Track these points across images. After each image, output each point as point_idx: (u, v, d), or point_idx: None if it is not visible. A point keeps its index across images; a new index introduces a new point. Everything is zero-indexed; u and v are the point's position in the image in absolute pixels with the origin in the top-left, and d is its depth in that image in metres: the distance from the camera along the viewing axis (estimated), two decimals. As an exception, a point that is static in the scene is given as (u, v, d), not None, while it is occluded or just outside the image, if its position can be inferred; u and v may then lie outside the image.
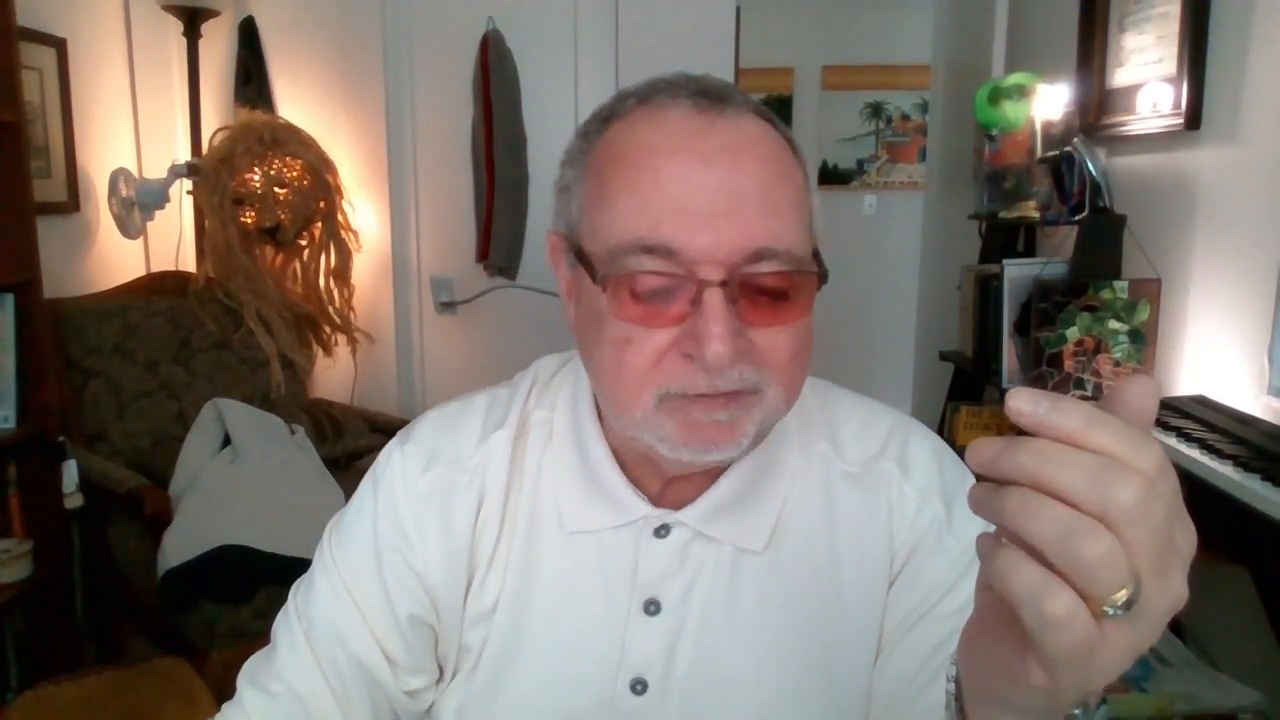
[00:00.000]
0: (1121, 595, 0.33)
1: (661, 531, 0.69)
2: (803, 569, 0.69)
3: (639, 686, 0.68)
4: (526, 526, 0.70)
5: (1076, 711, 0.41)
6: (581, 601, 0.69)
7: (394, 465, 0.71)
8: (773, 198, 0.59)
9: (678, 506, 0.69)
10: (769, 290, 0.59)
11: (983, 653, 0.42)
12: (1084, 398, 1.82)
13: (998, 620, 0.40)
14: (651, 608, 0.68)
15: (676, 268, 0.58)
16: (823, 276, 0.62)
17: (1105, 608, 0.33)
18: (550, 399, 0.74)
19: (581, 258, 0.62)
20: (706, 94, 0.61)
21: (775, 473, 0.70)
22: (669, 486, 0.69)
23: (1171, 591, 0.35)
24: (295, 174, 2.78)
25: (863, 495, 0.70)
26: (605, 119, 0.64)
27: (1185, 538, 0.35)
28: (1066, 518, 0.33)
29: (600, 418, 0.70)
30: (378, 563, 0.69)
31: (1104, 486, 0.33)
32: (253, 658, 0.73)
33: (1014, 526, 0.34)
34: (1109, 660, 0.35)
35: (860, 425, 0.74)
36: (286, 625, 0.71)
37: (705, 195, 0.58)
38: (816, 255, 0.63)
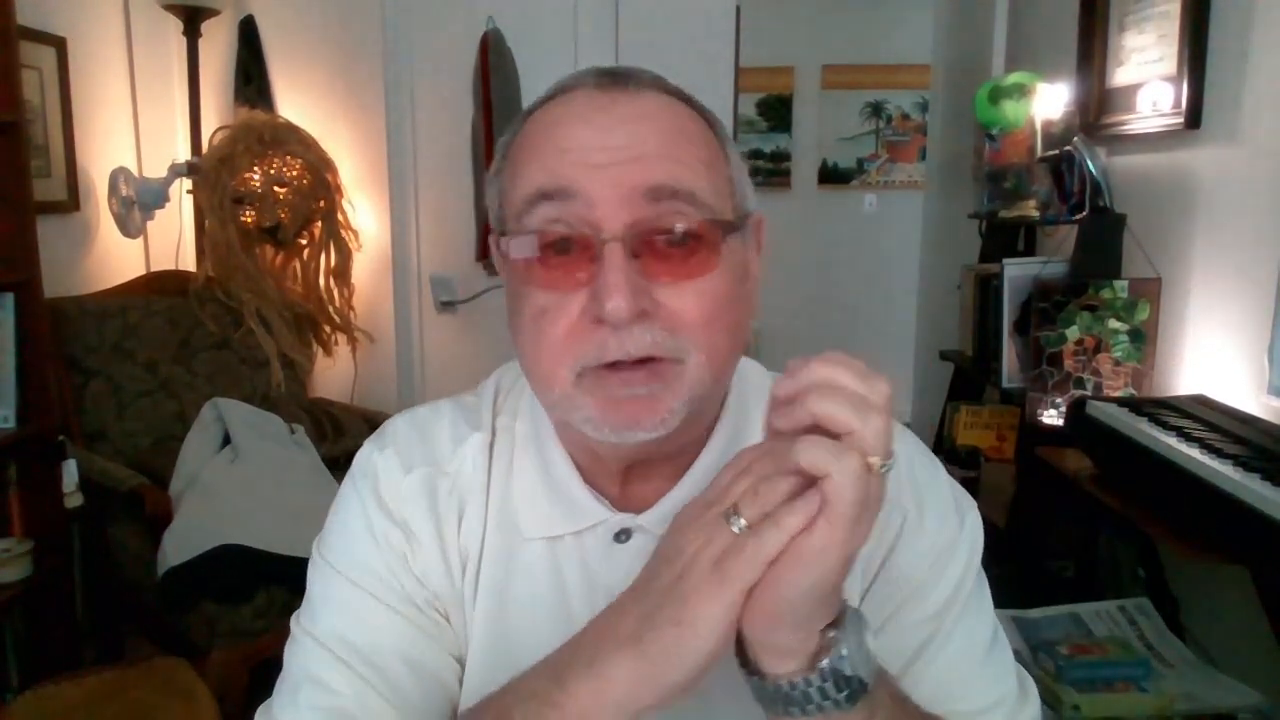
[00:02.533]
0: (887, 462, 0.47)
1: (622, 536, 0.67)
2: None
3: None
4: (500, 535, 0.69)
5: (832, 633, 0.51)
6: (549, 610, 0.68)
7: (375, 466, 0.70)
8: (676, 149, 0.60)
9: (639, 509, 0.68)
10: (673, 240, 0.59)
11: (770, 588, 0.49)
12: (1084, 398, 1.82)
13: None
14: None
15: (577, 219, 0.59)
16: (733, 224, 0.62)
17: (881, 467, 0.47)
18: (512, 406, 0.73)
19: (501, 237, 0.64)
20: (611, 74, 0.64)
21: None
22: (629, 488, 0.68)
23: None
24: (295, 173, 2.78)
25: None
26: (526, 114, 0.66)
27: None
28: (857, 399, 0.47)
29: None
30: (380, 552, 0.67)
31: (871, 382, 0.48)
32: (261, 709, 0.67)
33: (818, 408, 0.47)
34: (876, 508, 0.47)
35: None
36: (300, 653, 0.67)
37: (605, 152, 0.59)
38: (742, 222, 0.64)
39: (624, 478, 0.67)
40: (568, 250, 0.59)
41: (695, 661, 0.49)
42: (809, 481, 0.48)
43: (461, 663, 0.69)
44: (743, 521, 0.49)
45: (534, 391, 0.66)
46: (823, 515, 0.46)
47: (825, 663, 0.51)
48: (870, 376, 0.48)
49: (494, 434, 0.72)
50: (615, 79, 0.63)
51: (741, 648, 0.53)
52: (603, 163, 0.59)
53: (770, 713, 0.53)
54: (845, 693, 0.51)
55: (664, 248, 0.59)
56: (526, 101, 2.89)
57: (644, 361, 0.59)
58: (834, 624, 0.52)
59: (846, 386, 0.48)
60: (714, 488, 0.53)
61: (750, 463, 0.52)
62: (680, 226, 0.59)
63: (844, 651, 0.51)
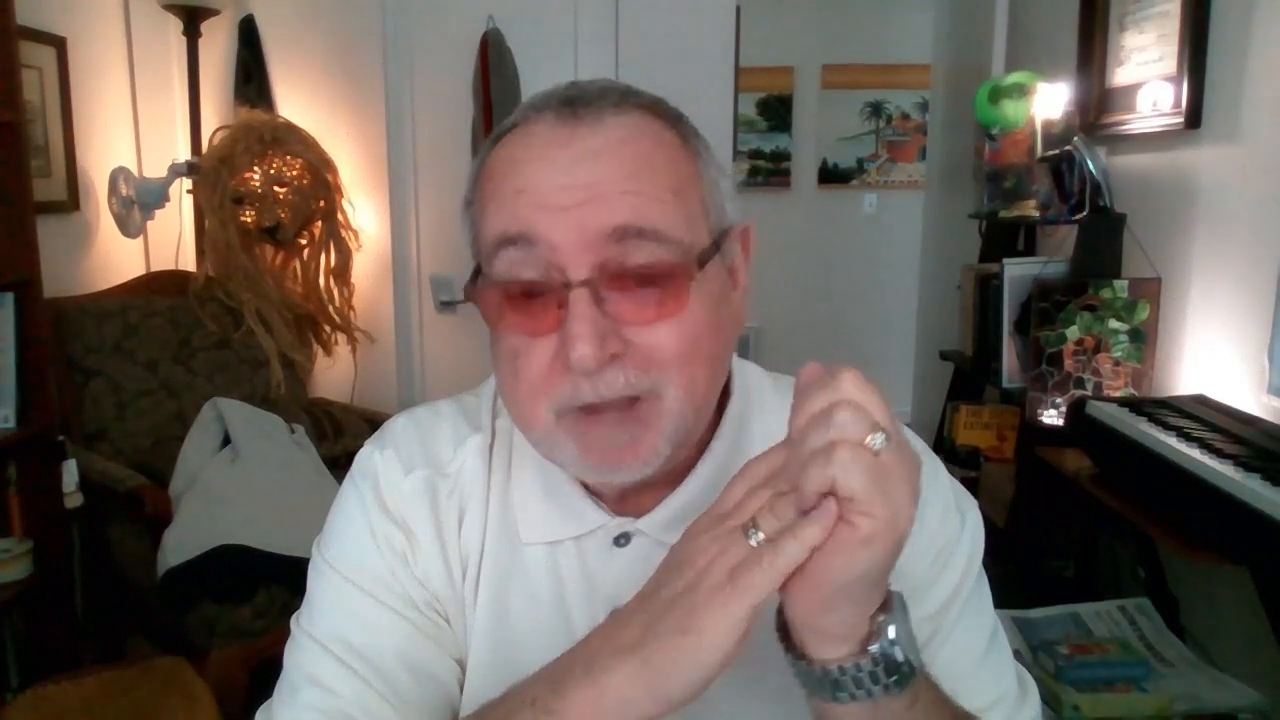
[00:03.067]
0: (875, 436, 0.47)
1: (621, 541, 0.67)
2: None
3: None
4: (500, 538, 0.69)
5: (882, 618, 0.51)
6: (549, 615, 0.67)
7: (375, 466, 0.69)
8: (639, 182, 0.58)
9: (638, 514, 0.67)
10: (641, 281, 0.58)
11: (812, 578, 0.49)
12: (1084, 396, 1.82)
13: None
14: None
15: (543, 265, 0.58)
16: (708, 252, 0.60)
17: (870, 443, 0.46)
18: None
19: (475, 275, 0.64)
20: (571, 103, 0.61)
21: None
22: (627, 494, 0.67)
23: (905, 439, 0.49)
24: (295, 173, 2.78)
25: None
26: (493, 142, 0.65)
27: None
28: (819, 422, 0.47)
29: None
30: (380, 554, 0.67)
31: (830, 388, 0.48)
32: (260, 710, 0.67)
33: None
34: (898, 483, 0.47)
35: None
36: (300, 654, 0.66)
37: (565, 193, 0.58)
38: (717, 246, 0.62)
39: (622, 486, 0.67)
40: (537, 294, 0.59)
41: (699, 674, 0.48)
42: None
43: (462, 665, 0.69)
44: (761, 535, 0.49)
45: (516, 427, 0.66)
46: (853, 509, 0.46)
47: (876, 647, 0.51)
48: (829, 382, 0.48)
49: (493, 436, 0.71)
50: (575, 108, 0.61)
51: (786, 633, 0.53)
52: (564, 204, 0.57)
53: (818, 697, 0.53)
54: (895, 677, 0.51)
55: (633, 288, 0.58)
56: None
57: (622, 402, 0.59)
58: (882, 608, 0.52)
59: (813, 415, 0.48)
60: (726, 500, 0.53)
61: (767, 476, 0.52)
62: (647, 267, 0.58)
63: (894, 635, 0.51)
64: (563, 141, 0.60)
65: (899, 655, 0.51)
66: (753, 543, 0.49)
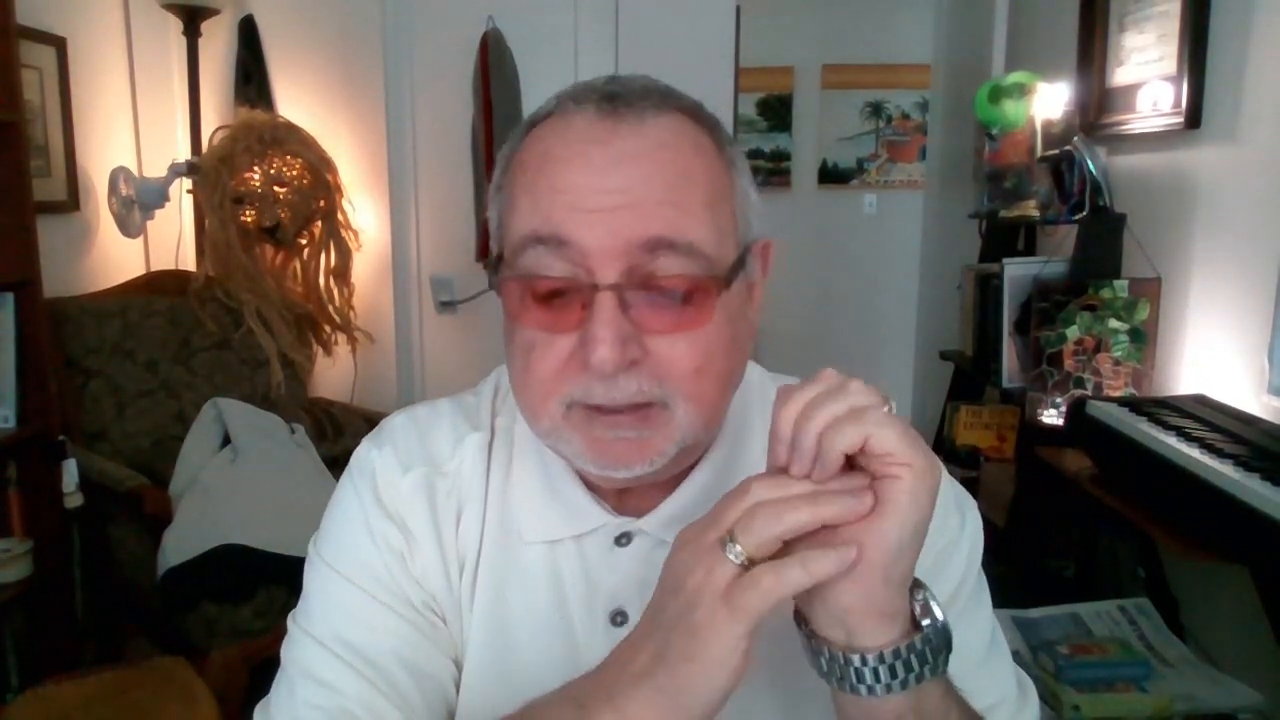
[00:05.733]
0: (887, 403, 0.51)
1: (623, 540, 0.67)
2: None
3: None
4: (499, 537, 0.68)
5: (924, 622, 0.52)
6: (548, 614, 0.67)
7: (373, 464, 0.69)
8: (677, 193, 0.58)
9: (639, 514, 0.67)
10: (668, 292, 0.58)
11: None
12: (1084, 396, 1.82)
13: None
14: (618, 619, 0.66)
15: (571, 264, 0.57)
16: (734, 269, 0.61)
17: (886, 409, 0.51)
18: (511, 406, 0.71)
19: (497, 263, 0.63)
20: (614, 99, 0.60)
21: (739, 476, 0.68)
22: (628, 493, 0.67)
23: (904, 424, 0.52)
24: (295, 173, 2.78)
25: None
26: (530, 124, 0.64)
27: None
28: (825, 387, 0.53)
29: None
30: (378, 552, 0.67)
31: (816, 376, 0.54)
32: (258, 707, 0.67)
33: (818, 432, 0.51)
34: (918, 436, 0.50)
35: None
36: (298, 651, 0.66)
37: (602, 195, 0.57)
38: (742, 261, 0.62)
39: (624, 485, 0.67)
40: (562, 292, 0.58)
41: (713, 695, 0.49)
42: (815, 519, 0.50)
43: (458, 665, 0.69)
44: (739, 549, 0.50)
45: (524, 419, 0.66)
46: (892, 462, 0.49)
47: (927, 621, 0.52)
48: (814, 379, 0.53)
49: (493, 434, 0.71)
50: (617, 105, 0.60)
51: (818, 639, 0.53)
52: (599, 207, 0.57)
53: (865, 695, 0.51)
54: (946, 652, 0.52)
55: (658, 297, 0.58)
56: (527, 102, 2.90)
57: (632, 406, 0.59)
58: (916, 583, 0.53)
59: (816, 396, 0.52)
60: (715, 510, 0.53)
61: (751, 487, 0.52)
62: (677, 281, 0.58)
63: (936, 610, 0.52)
64: (602, 139, 0.59)
65: (948, 624, 0.52)
66: (730, 556, 0.50)
